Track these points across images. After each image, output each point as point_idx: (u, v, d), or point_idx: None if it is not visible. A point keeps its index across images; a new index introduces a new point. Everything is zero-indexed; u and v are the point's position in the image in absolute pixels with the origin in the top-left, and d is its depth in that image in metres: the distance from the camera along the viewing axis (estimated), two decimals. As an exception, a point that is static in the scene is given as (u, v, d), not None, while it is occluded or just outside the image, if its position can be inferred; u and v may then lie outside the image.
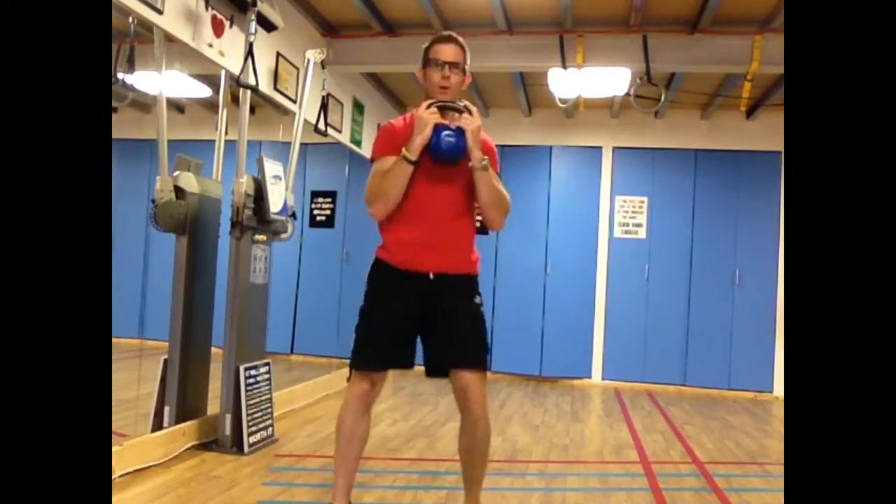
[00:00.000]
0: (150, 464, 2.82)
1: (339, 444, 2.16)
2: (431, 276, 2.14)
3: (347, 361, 2.19)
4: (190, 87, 4.71)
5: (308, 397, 4.51)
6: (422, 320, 2.17)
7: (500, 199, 2.17)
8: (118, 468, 2.64)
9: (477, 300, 2.22)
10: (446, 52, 2.18)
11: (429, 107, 2.10)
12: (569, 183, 6.41)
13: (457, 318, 2.16)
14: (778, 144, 6.01)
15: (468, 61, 2.23)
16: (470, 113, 2.11)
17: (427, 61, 2.20)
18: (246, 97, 3.35)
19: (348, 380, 2.19)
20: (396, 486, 2.81)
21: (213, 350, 3.43)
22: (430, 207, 2.15)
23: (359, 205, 6.68)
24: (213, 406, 3.35)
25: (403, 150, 2.07)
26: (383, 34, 4.74)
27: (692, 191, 6.21)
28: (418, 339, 2.21)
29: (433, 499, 2.69)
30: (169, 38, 3.08)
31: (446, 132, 2.07)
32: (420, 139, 2.06)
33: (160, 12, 2.88)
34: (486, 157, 2.10)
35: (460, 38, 2.22)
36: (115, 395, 2.44)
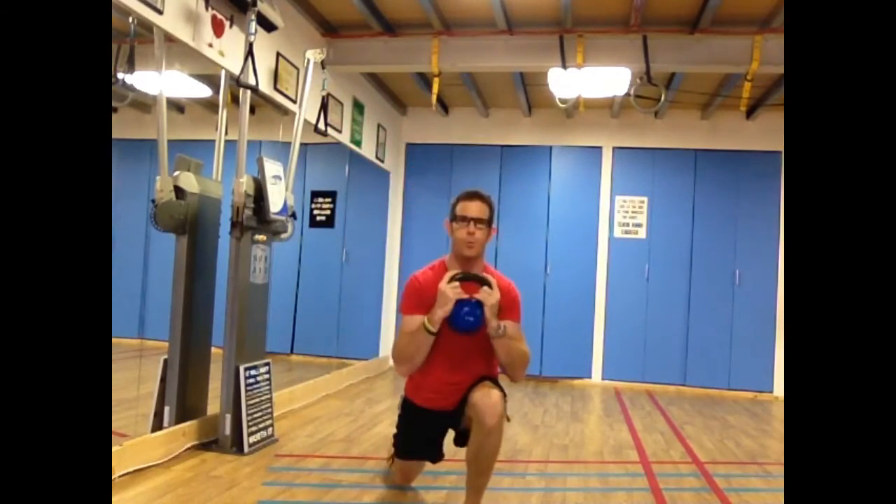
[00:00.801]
0: (150, 464, 2.82)
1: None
2: (451, 409, 2.41)
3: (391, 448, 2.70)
4: (190, 87, 4.71)
5: (308, 397, 4.51)
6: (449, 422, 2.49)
7: (518, 358, 2.35)
8: (118, 468, 2.64)
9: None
10: (473, 208, 2.34)
11: (451, 279, 2.26)
12: (569, 183, 6.41)
13: None
14: (778, 144, 6.01)
15: (494, 216, 2.41)
16: (490, 286, 2.26)
17: (454, 216, 2.37)
18: (246, 97, 3.35)
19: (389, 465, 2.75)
20: (396, 486, 2.81)
21: (213, 350, 3.43)
22: (456, 367, 2.38)
23: (359, 205, 6.71)
24: (213, 406, 3.35)
25: (426, 320, 2.27)
26: (383, 34, 4.74)
27: (692, 191, 6.21)
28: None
29: (433, 499, 2.69)
30: (169, 38, 3.08)
31: (466, 310, 2.25)
32: (441, 313, 2.24)
33: (160, 12, 2.88)
34: (503, 324, 2.26)
35: (487, 195, 2.40)
36: (115, 395, 2.44)
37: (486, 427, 2.20)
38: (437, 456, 2.59)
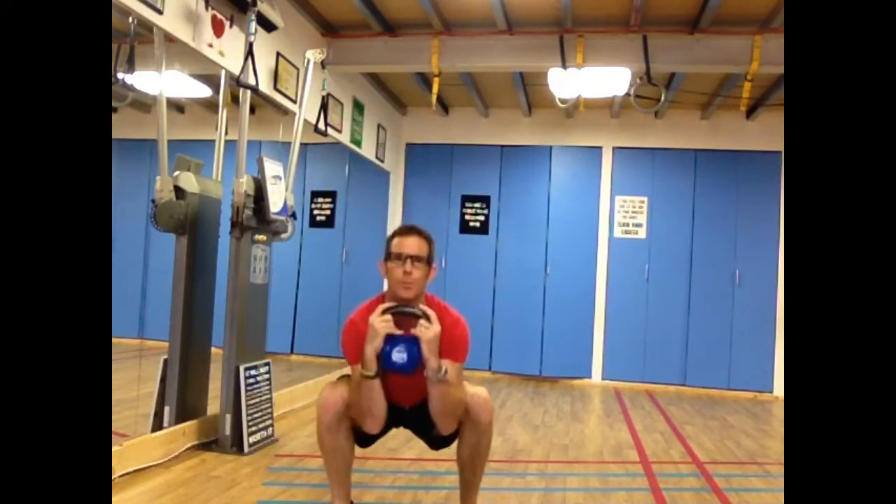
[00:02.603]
0: (150, 464, 2.82)
1: (324, 459, 2.18)
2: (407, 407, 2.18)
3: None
4: (190, 87, 4.71)
5: (308, 397, 4.50)
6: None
7: (451, 409, 2.08)
8: (118, 468, 2.64)
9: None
10: (409, 244, 2.08)
11: (383, 312, 2.01)
12: (569, 183, 6.41)
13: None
14: (778, 144, 6.01)
15: (434, 252, 2.15)
16: (428, 320, 2.00)
17: (388, 255, 2.10)
18: (246, 97, 3.35)
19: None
20: (396, 486, 2.81)
21: (213, 350, 3.43)
22: (399, 398, 2.14)
23: (359, 205, 6.71)
24: (213, 406, 3.35)
25: (360, 367, 2.02)
26: (383, 34, 4.73)
27: (692, 191, 6.21)
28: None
29: (433, 499, 2.69)
30: (169, 38, 3.08)
31: (397, 348, 1.98)
32: (370, 350, 1.99)
33: (160, 12, 2.87)
34: (442, 366, 1.99)
35: (424, 230, 2.16)
36: (115, 395, 2.44)
37: (482, 425, 2.12)
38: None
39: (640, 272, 6.23)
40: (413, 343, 1.98)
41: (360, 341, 2.04)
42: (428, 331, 1.98)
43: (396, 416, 2.20)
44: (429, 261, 2.12)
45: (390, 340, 1.99)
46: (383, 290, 2.21)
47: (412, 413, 2.19)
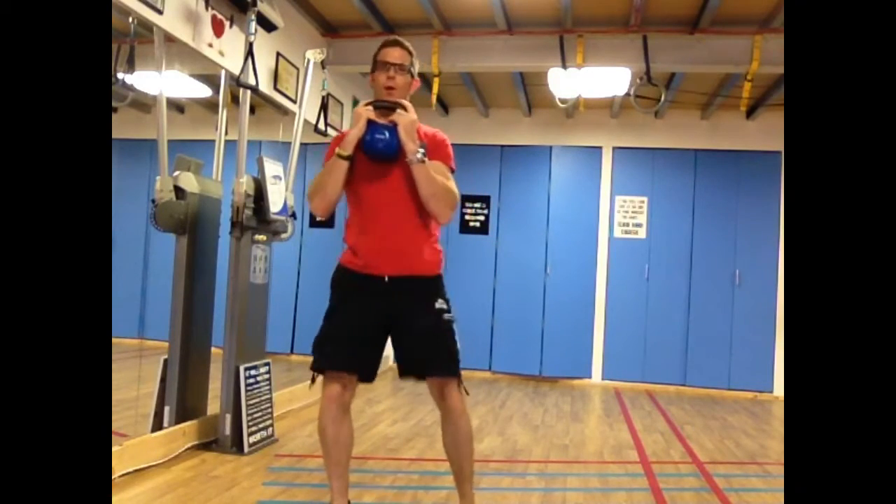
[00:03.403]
0: (150, 464, 2.82)
1: (325, 451, 2.19)
2: (386, 279, 2.16)
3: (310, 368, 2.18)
4: (190, 87, 4.71)
5: (308, 397, 4.50)
6: (385, 326, 2.20)
7: (439, 190, 2.13)
8: (118, 468, 2.64)
9: (438, 304, 2.20)
10: (392, 54, 2.22)
11: (366, 105, 2.16)
12: (569, 183, 6.41)
13: (419, 332, 2.17)
14: (778, 144, 6.01)
15: (416, 65, 2.27)
16: (405, 109, 2.14)
17: (375, 65, 2.24)
18: (246, 97, 3.35)
19: (310, 386, 2.21)
20: (396, 486, 2.81)
21: (213, 350, 3.43)
22: (382, 211, 2.19)
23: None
24: (213, 406, 3.36)
25: (337, 147, 2.14)
26: (383, 34, 4.73)
27: (692, 191, 6.21)
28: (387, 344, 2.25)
29: (433, 499, 2.69)
30: (169, 38, 3.08)
31: (378, 130, 2.12)
32: (353, 133, 2.12)
33: (160, 12, 2.87)
34: (420, 149, 2.10)
35: (407, 43, 2.27)
36: (115, 395, 2.44)
37: (454, 412, 2.18)
38: (369, 364, 2.19)
39: (640, 272, 6.23)
40: (392, 129, 2.12)
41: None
42: (404, 117, 2.11)
43: (375, 296, 2.17)
44: (410, 72, 2.24)
45: (371, 127, 2.12)
46: None
47: (393, 286, 2.16)
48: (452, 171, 2.23)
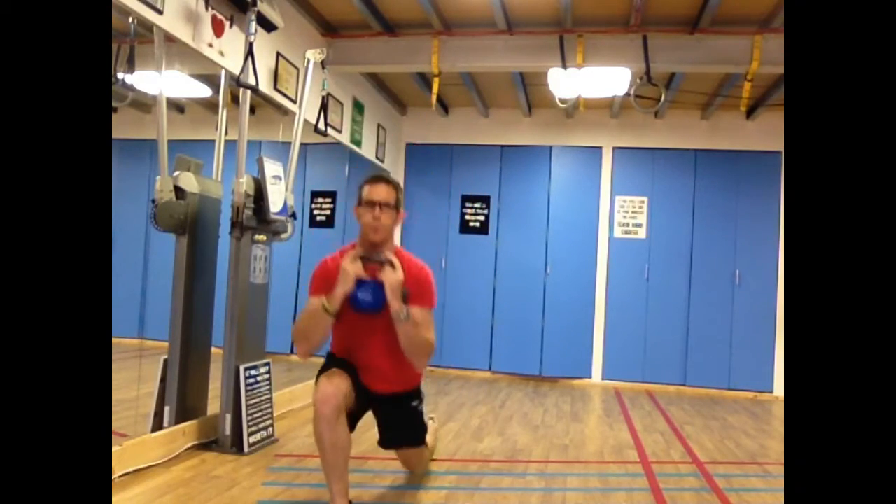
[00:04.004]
0: (150, 464, 2.82)
1: (322, 456, 2.24)
2: (371, 391, 2.42)
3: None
4: (190, 87, 4.71)
5: (308, 397, 4.50)
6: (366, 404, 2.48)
7: (418, 346, 2.29)
8: (118, 468, 2.64)
9: (414, 404, 2.57)
10: (378, 192, 2.29)
11: (354, 259, 2.24)
12: (569, 183, 6.41)
13: (396, 419, 2.55)
14: (778, 144, 6.01)
15: (401, 198, 2.37)
16: (392, 266, 2.21)
17: (360, 201, 2.32)
18: (246, 97, 3.35)
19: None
20: (396, 486, 2.81)
21: (213, 350, 3.43)
22: (366, 342, 2.36)
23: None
24: (213, 406, 3.35)
25: (324, 300, 2.22)
26: (383, 34, 4.74)
27: (692, 191, 6.21)
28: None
29: (433, 499, 2.69)
30: (169, 38, 3.08)
31: (363, 289, 2.24)
32: (340, 291, 2.21)
33: (160, 12, 2.87)
34: (405, 308, 2.21)
35: (392, 179, 2.38)
36: (115, 395, 2.44)
37: (414, 471, 2.79)
38: (357, 393, 2.37)
39: (640, 272, 6.23)
40: (379, 286, 2.22)
41: (328, 279, 2.27)
42: (391, 276, 2.20)
43: (370, 399, 2.44)
44: (396, 206, 2.33)
45: (358, 284, 2.23)
46: (343, 246, 2.44)
47: (384, 401, 2.47)
48: (432, 307, 2.39)
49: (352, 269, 2.20)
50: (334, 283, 2.23)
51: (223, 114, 3.62)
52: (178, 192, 3.21)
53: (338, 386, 2.21)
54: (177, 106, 5.76)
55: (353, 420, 2.39)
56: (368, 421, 2.52)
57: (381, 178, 2.35)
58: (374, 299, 2.23)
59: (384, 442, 2.61)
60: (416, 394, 2.57)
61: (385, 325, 2.26)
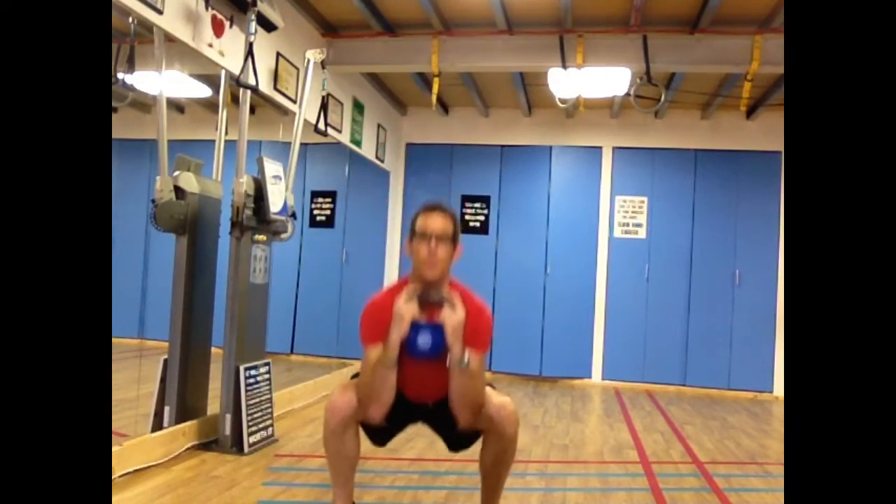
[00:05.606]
0: (150, 464, 2.82)
1: (328, 459, 2.16)
2: (430, 403, 2.16)
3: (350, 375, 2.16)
4: (190, 87, 4.71)
5: (308, 397, 4.50)
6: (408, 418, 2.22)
7: (472, 400, 2.05)
8: (118, 468, 2.64)
9: None
10: (434, 224, 2.03)
11: (409, 298, 2.00)
12: (569, 183, 6.41)
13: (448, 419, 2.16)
14: (778, 144, 6.01)
15: (459, 232, 2.10)
16: (452, 307, 1.99)
17: (413, 234, 2.05)
18: (246, 97, 3.35)
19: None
20: (396, 486, 2.81)
21: (213, 350, 3.43)
22: (422, 390, 2.12)
23: (359, 205, 6.70)
24: (213, 406, 3.35)
25: (381, 350, 1.99)
26: (383, 34, 4.73)
27: (692, 191, 6.21)
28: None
29: (433, 499, 2.69)
30: (169, 38, 3.08)
31: (422, 334, 1.98)
32: (396, 336, 1.97)
33: (160, 12, 2.88)
34: (466, 355, 1.98)
35: (449, 209, 2.11)
36: (115, 395, 2.44)
37: (507, 436, 2.08)
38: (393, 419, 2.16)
39: (640, 272, 6.23)
40: (438, 330, 1.97)
41: (381, 323, 2.01)
42: (452, 317, 1.97)
43: (418, 412, 2.19)
44: (454, 240, 2.06)
45: (415, 327, 1.98)
46: (392, 282, 2.18)
47: (435, 409, 2.15)
48: (486, 352, 2.13)
49: (406, 310, 1.97)
50: (387, 325, 1.99)
51: (223, 114, 3.62)
52: (178, 192, 3.21)
53: (349, 400, 2.07)
54: (177, 106, 5.76)
55: (385, 435, 2.23)
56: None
57: (437, 207, 2.09)
58: (433, 344, 1.98)
59: (452, 446, 2.30)
60: None
61: (445, 371, 2.03)
